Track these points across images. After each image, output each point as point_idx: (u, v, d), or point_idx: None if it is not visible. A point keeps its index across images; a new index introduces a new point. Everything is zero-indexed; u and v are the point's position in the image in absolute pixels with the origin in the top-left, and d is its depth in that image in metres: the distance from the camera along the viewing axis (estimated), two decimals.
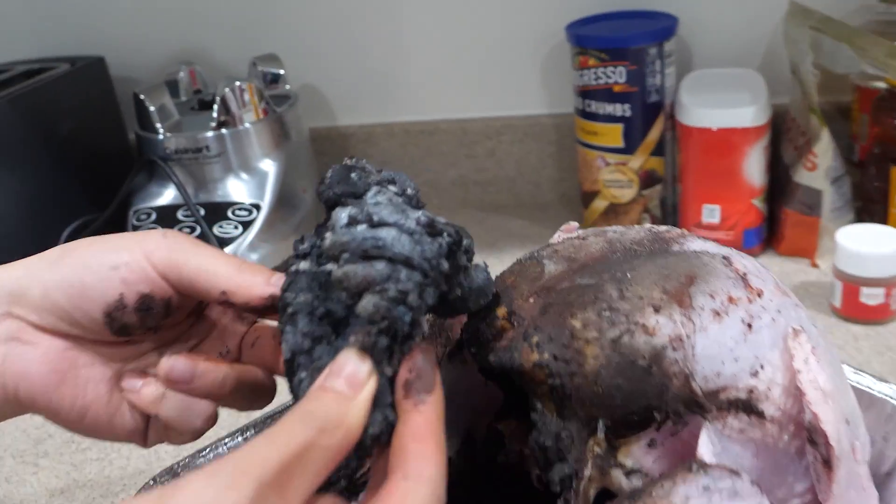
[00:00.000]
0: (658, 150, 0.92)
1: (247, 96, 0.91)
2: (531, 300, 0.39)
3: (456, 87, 1.06)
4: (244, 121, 0.91)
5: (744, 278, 0.40)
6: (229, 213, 0.89)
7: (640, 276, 0.39)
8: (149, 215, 0.90)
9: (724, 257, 0.41)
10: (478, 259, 0.39)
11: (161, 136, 0.90)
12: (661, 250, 0.42)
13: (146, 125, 0.92)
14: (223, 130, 0.90)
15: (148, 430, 0.45)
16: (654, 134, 0.90)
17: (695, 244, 0.43)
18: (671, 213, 0.95)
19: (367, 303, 0.33)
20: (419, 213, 0.35)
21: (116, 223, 0.92)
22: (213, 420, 0.44)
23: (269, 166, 0.92)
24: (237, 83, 0.91)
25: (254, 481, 0.28)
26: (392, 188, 0.38)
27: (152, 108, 0.91)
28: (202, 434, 0.44)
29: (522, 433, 0.42)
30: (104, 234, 0.44)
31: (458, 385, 0.43)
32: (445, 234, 0.35)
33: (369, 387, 0.33)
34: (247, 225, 0.88)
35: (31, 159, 0.91)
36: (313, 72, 1.07)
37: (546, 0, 0.99)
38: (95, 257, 0.41)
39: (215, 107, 0.90)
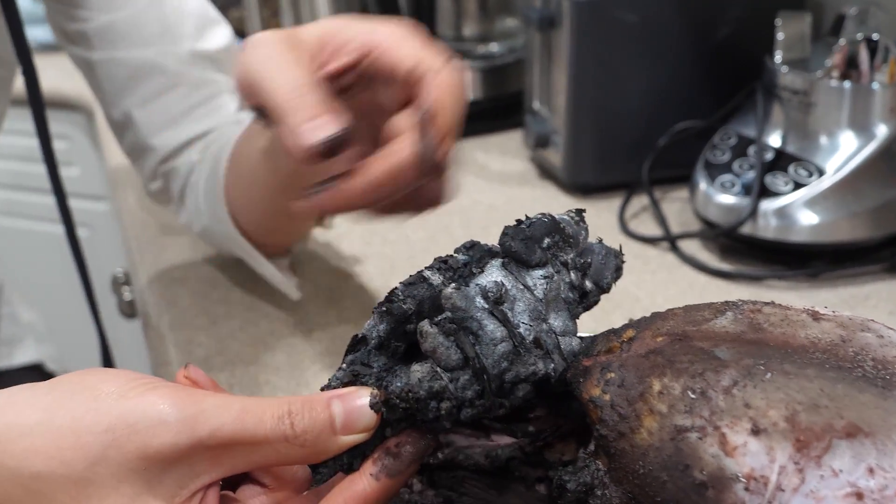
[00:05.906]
0: None
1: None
2: (659, 339, 0.32)
3: None
4: (874, 80, 0.80)
5: None
6: (789, 169, 0.82)
7: (782, 385, 0.28)
8: (727, 139, 0.88)
9: None
10: None
11: (778, 67, 0.86)
12: (885, 382, 0.29)
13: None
14: (844, 83, 0.81)
15: None
16: None
17: None
18: None
19: (415, 372, 0.31)
20: (544, 327, 0.32)
21: (712, 132, 0.91)
22: None
23: (878, 131, 0.79)
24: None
25: (193, 437, 0.29)
26: (570, 277, 0.34)
27: (781, 36, 0.86)
28: None
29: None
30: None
31: None
32: (550, 362, 0.32)
33: (356, 438, 0.31)
34: (799, 187, 0.80)
35: (673, 54, 0.95)
36: None
37: None
38: None
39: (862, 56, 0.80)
